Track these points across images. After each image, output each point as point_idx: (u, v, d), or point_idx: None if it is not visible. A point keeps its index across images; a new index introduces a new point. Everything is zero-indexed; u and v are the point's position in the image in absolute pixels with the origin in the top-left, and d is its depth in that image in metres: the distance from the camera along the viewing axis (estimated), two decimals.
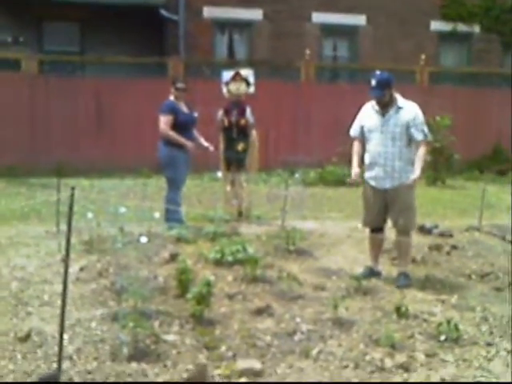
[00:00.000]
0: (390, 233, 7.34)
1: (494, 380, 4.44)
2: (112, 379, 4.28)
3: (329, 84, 16.42)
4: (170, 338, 4.88)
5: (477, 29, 18.78)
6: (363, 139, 6.54)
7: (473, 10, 18.59)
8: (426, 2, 18.39)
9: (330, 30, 18.25)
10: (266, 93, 13.76)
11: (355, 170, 6.47)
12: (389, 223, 6.65)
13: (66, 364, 4.37)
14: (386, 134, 6.31)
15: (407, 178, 6.29)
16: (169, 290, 5.80)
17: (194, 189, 11.58)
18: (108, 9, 16.83)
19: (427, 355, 4.77)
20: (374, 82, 6.27)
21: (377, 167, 6.39)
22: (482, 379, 4.44)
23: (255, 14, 17.74)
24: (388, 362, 4.62)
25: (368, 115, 6.50)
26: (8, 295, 5.66)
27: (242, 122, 9.11)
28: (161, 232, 7.66)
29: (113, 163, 13.62)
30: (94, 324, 5.09)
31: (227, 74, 9.30)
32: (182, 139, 8.08)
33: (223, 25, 17.86)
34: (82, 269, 6.34)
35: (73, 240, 4.48)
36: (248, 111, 9.17)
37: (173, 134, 8.10)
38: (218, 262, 6.48)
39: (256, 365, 4.50)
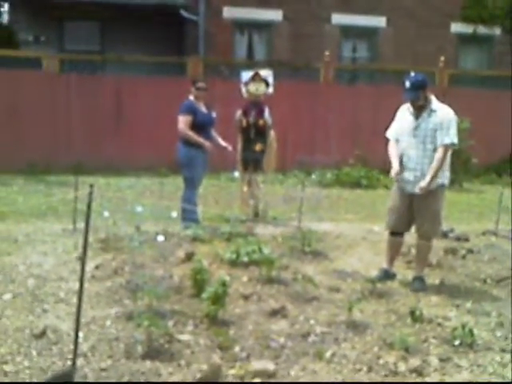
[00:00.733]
0: (406, 236, 7.34)
1: None
2: (126, 377, 4.30)
3: (348, 85, 16.38)
4: (185, 337, 4.90)
5: (498, 31, 18.69)
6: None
7: (494, 13, 18.48)
8: (447, 3, 18.31)
9: (349, 32, 18.24)
10: (285, 94, 13.75)
11: (395, 168, 6.29)
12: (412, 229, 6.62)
13: (80, 361, 4.40)
14: (417, 137, 6.24)
15: (435, 184, 6.24)
16: (184, 289, 5.81)
17: (210, 188, 11.61)
18: (128, 8, 16.94)
19: (441, 360, 4.75)
20: (407, 84, 6.18)
21: (406, 171, 6.31)
22: None
23: (275, 15, 17.76)
24: (401, 366, 4.60)
25: (403, 117, 6.43)
26: (24, 292, 5.70)
27: (261, 122, 9.11)
28: (177, 231, 7.68)
29: (130, 162, 13.70)
30: (108, 322, 5.12)
31: (246, 75, 9.31)
32: (200, 139, 8.11)
33: (243, 25, 17.89)
34: (97, 267, 6.38)
35: (89, 238, 4.51)
36: (266, 112, 9.17)
37: (191, 134, 8.13)
38: (234, 263, 6.49)
39: (270, 366, 4.51)
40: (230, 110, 9.55)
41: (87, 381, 4.23)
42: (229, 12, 17.49)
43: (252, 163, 9.12)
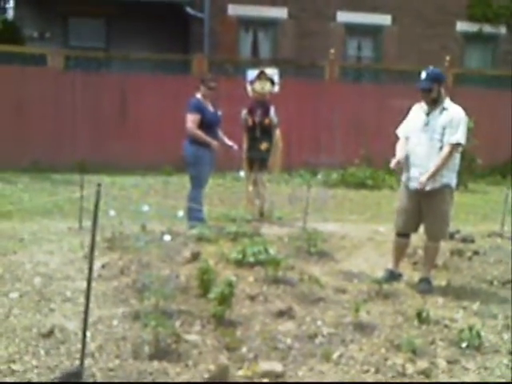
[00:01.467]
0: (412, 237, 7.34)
1: None
2: (133, 377, 4.31)
3: (353, 84, 16.36)
4: (192, 337, 4.90)
5: (503, 30, 18.65)
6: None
7: (499, 11, 18.45)
8: (452, 2, 18.28)
9: (354, 30, 18.22)
10: (290, 92, 13.72)
11: (395, 159, 6.30)
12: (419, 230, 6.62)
13: (88, 361, 4.40)
14: (426, 134, 6.24)
15: (441, 183, 6.24)
16: (190, 289, 5.81)
17: (216, 188, 11.63)
18: (134, 5, 16.94)
19: (449, 362, 4.75)
20: (423, 75, 6.23)
21: (413, 168, 6.31)
22: None
23: (280, 13, 17.74)
24: (409, 368, 4.61)
25: (415, 115, 6.44)
26: (31, 291, 5.70)
27: (266, 121, 9.09)
28: (182, 231, 7.68)
29: (135, 160, 13.70)
30: (115, 322, 5.12)
31: (252, 73, 9.29)
32: (207, 138, 8.10)
33: (248, 23, 17.88)
34: (103, 266, 6.38)
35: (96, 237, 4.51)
36: (272, 111, 9.15)
37: (199, 133, 8.13)
38: (240, 263, 6.48)
39: (277, 367, 4.52)
40: (235, 109, 9.54)
41: (95, 380, 4.24)
42: (234, 9, 17.48)
43: (258, 162, 9.10)
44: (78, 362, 4.31)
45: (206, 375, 4.37)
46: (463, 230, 8.63)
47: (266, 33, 18.17)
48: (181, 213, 7.57)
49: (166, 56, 15.71)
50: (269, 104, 9.18)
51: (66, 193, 9.81)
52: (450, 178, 6.33)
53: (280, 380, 4.39)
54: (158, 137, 14.19)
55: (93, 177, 9.57)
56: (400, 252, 6.69)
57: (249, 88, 9.25)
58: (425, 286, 6.34)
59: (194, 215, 8.05)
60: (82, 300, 5.29)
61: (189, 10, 16.88)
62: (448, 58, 15.95)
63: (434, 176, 6.16)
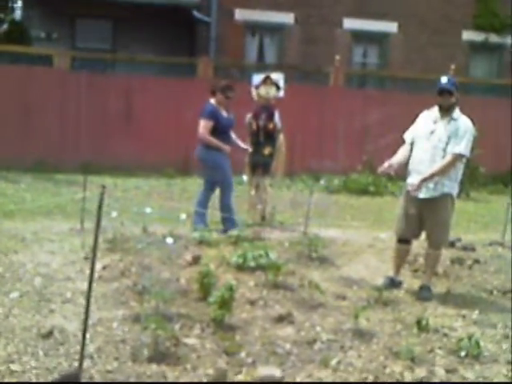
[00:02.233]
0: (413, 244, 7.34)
1: None
2: (132, 380, 4.32)
3: (358, 90, 16.37)
4: (191, 341, 4.91)
5: (509, 40, 18.65)
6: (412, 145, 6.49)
7: (506, 21, 18.45)
8: (459, 11, 18.29)
9: (360, 37, 18.25)
10: (295, 97, 13.74)
11: (386, 163, 6.39)
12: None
13: (86, 363, 4.41)
14: (431, 142, 6.24)
15: (442, 192, 6.25)
16: (190, 292, 5.81)
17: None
18: (141, 8, 16.97)
19: (447, 371, 4.76)
20: (445, 79, 6.33)
21: (415, 174, 6.31)
22: None
23: (286, 18, 17.77)
24: (408, 376, 4.62)
25: (423, 121, 6.45)
26: (31, 291, 5.71)
27: (270, 126, 9.10)
28: (184, 234, 7.68)
29: (138, 162, 13.71)
30: (115, 324, 5.13)
31: (257, 78, 9.30)
32: (219, 143, 8.14)
33: (254, 27, 17.92)
34: (104, 267, 6.37)
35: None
36: (277, 115, 9.16)
37: (211, 139, 8.15)
38: (240, 267, 6.48)
39: (276, 372, 4.52)
40: (240, 113, 9.55)
41: (94, 381, 4.25)
42: (240, 14, 17.51)
43: (260, 167, 9.10)
44: (76, 364, 4.32)
45: (205, 379, 4.38)
46: (464, 238, 8.62)
47: (272, 38, 18.21)
48: (183, 216, 7.58)
49: (171, 59, 15.76)
50: (273, 109, 9.19)
51: (68, 193, 9.82)
52: (452, 187, 6.34)
53: None
54: (162, 139, 14.22)
55: (96, 178, 9.58)
56: (401, 259, 6.70)
57: (254, 92, 9.26)
58: (425, 294, 6.35)
59: (229, 221, 8.19)
60: (81, 301, 5.30)
61: (196, 13, 16.91)
62: (453, 66, 15.94)
63: (427, 181, 6.19)
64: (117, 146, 13.91)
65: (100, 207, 4.28)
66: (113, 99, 14.43)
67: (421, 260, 7.12)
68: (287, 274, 6.41)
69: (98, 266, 6.26)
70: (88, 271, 4.39)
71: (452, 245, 8.18)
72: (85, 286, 4.48)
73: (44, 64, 14.54)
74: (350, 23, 18.06)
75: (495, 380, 4.67)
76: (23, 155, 13.33)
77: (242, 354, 4.79)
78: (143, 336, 4.82)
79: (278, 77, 9.40)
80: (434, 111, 6.39)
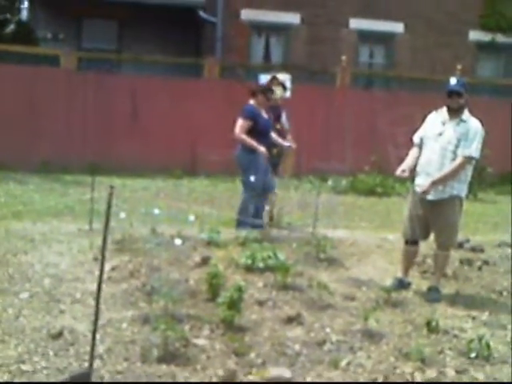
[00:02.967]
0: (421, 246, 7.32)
1: None
2: (142, 380, 4.32)
3: (364, 91, 16.36)
4: (200, 342, 4.91)
5: None
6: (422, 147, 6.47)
7: None
8: (466, 11, 18.26)
9: (366, 37, 18.24)
10: (301, 98, 13.74)
11: (401, 167, 6.35)
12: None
13: (96, 363, 4.41)
14: (440, 143, 6.22)
15: (451, 194, 6.25)
16: (199, 293, 5.81)
17: (226, 192, 11.65)
18: (147, 8, 17.00)
19: (457, 371, 4.74)
20: (454, 80, 6.33)
21: (424, 175, 6.29)
22: None
23: (293, 18, 17.78)
24: (417, 377, 4.60)
25: (431, 122, 6.43)
26: (41, 291, 5.72)
27: (278, 126, 9.09)
28: (192, 235, 7.68)
29: (145, 163, 13.72)
30: (124, 325, 5.13)
31: (264, 78, 9.32)
32: (254, 143, 8.18)
33: (260, 28, 17.93)
34: (113, 268, 6.37)
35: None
36: (284, 116, 9.16)
37: (246, 138, 8.22)
38: (249, 268, 6.48)
39: (285, 373, 4.52)
40: None
41: (104, 381, 4.25)
42: (247, 14, 17.52)
43: None
44: (86, 364, 4.33)
45: (214, 380, 4.38)
46: (473, 239, 8.60)
47: (278, 38, 18.22)
48: (192, 217, 7.57)
49: (177, 59, 15.77)
50: (280, 109, 9.19)
51: (76, 194, 9.83)
52: (461, 189, 6.33)
53: None
54: (169, 140, 14.24)
55: (103, 178, 9.59)
56: (409, 260, 6.69)
57: None
58: (433, 295, 6.33)
59: (243, 220, 8.20)
60: (91, 302, 5.31)
61: (202, 13, 16.93)
62: (460, 66, 15.92)
63: (437, 184, 6.17)
64: (124, 147, 13.93)
65: (109, 208, 4.28)
66: (119, 99, 14.45)
67: (429, 261, 7.11)
68: (296, 274, 6.40)
69: (107, 266, 6.26)
70: (97, 272, 4.40)
71: (460, 246, 8.16)
72: (94, 286, 4.48)
73: (50, 64, 14.57)
74: (356, 23, 18.06)
75: (505, 381, 4.65)
76: (30, 156, 13.35)
77: (252, 355, 4.79)
78: (153, 337, 4.82)
79: (284, 77, 9.42)
80: (443, 112, 6.37)
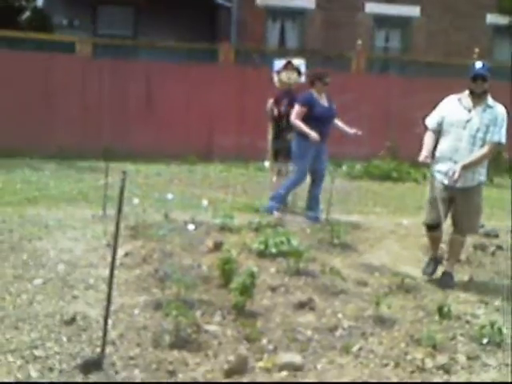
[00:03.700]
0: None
1: None
2: (153, 366, 4.35)
3: (380, 75, 16.25)
4: (212, 328, 4.93)
5: None
6: (438, 132, 6.33)
7: None
8: None
9: (382, 21, 18.11)
10: None
11: (424, 153, 6.22)
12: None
13: (109, 349, 4.45)
14: (469, 130, 6.11)
15: (479, 180, 6.22)
16: (212, 279, 5.82)
17: (239, 178, 11.66)
18: None
19: (469, 358, 4.73)
20: (479, 64, 6.18)
21: (450, 163, 6.17)
22: None
23: (308, 3, 17.68)
24: (429, 363, 4.59)
25: (452, 108, 6.27)
26: (55, 277, 5.77)
27: (292, 111, 9.06)
28: (205, 220, 7.70)
29: (160, 149, 13.73)
30: (136, 310, 5.16)
31: (279, 63, 9.27)
32: (307, 129, 8.25)
33: (276, 13, 17.84)
34: (126, 254, 6.41)
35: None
36: None
37: (300, 124, 8.34)
38: (262, 254, 6.49)
39: (297, 359, 4.53)
40: (262, 99, 9.54)
41: (116, 368, 4.28)
42: None
43: (282, 153, 9.08)
44: (99, 350, 4.36)
45: (226, 365, 4.39)
46: (487, 224, 8.54)
47: (293, 23, 18.12)
48: (205, 202, 7.59)
49: (193, 45, 15.73)
50: (295, 94, 9.15)
51: (90, 180, 9.87)
52: (484, 174, 6.33)
53: (299, 372, 4.40)
54: (184, 126, 14.24)
55: (117, 164, 9.61)
56: (437, 243, 6.63)
57: (275, 78, 9.23)
58: (447, 281, 6.32)
59: (276, 200, 8.42)
60: (104, 288, 5.33)
61: None
62: (477, 50, 15.76)
63: (467, 170, 6.07)
64: (139, 133, 13.96)
65: (121, 193, 4.30)
66: (134, 85, 14.44)
67: (442, 246, 7.07)
68: (309, 260, 6.40)
69: (120, 252, 6.29)
70: (110, 258, 4.41)
71: None
72: (107, 272, 4.51)
73: (66, 51, 14.57)
74: (371, 7, 17.92)
75: None
76: (46, 142, 13.39)
77: (263, 341, 4.80)
78: (165, 322, 4.85)
79: (299, 62, 9.36)
80: (465, 98, 6.23)
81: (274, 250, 6.48)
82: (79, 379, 4.13)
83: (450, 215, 6.47)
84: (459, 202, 6.28)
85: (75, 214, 8.03)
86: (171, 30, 17.18)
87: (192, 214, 7.77)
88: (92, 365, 4.25)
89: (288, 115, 9.00)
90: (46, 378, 4.14)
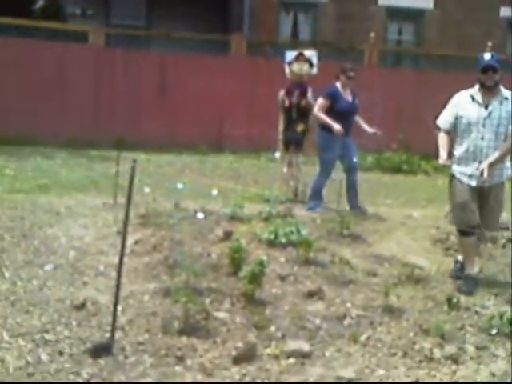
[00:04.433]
0: (443, 223, 7.29)
1: None
2: (162, 352, 4.38)
3: (392, 68, 16.20)
4: (221, 315, 4.96)
5: None
6: (453, 131, 6.07)
7: None
8: None
9: (395, 14, 18.00)
10: (328, 75, 13.61)
11: (443, 157, 5.96)
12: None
13: (118, 334, 4.49)
14: (490, 127, 5.85)
15: (507, 175, 6.04)
16: (221, 267, 5.84)
17: (250, 168, 11.67)
18: None
19: (477, 348, 4.75)
20: (488, 55, 5.95)
21: (475, 163, 5.90)
22: None
23: None
24: (437, 353, 4.61)
25: (465, 106, 5.98)
26: (65, 263, 5.80)
27: (303, 103, 9.05)
28: (215, 209, 7.71)
29: (172, 138, 13.74)
30: (146, 297, 5.20)
31: (290, 55, 9.25)
32: (329, 120, 8.26)
33: (288, 4, 17.78)
34: (136, 242, 6.43)
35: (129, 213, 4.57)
36: (309, 93, 9.12)
37: (322, 116, 8.35)
38: (271, 243, 6.49)
39: (304, 346, 4.55)
40: (273, 90, 9.53)
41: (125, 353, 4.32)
42: None
43: (293, 144, 9.08)
44: (108, 335, 4.40)
45: (234, 352, 4.42)
46: None
47: (306, 15, 18.06)
48: (215, 191, 7.59)
49: (205, 36, 15.72)
50: (306, 86, 9.15)
51: (102, 169, 9.90)
52: (510, 167, 6.14)
53: (307, 359, 4.42)
54: (196, 116, 14.23)
55: (129, 154, 9.62)
56: (474, 252, 6.26)
57: (287, 69, 9.22)
58: (467, 286, 5.97)
59: (315, 198, 8.43)
60: (114, 274, 5.34)
61: None
62: (490, 43, 15.66)
63: (494, 166, 5.80)
64: (151, 123, 13.97)
65: (131, 181, 4.33)
66: (147, 76, 14.46)
67: (453, 238, 7.05)
68: (318, 250, 6.41)
69: (131, 240, 6.32)
70: (120, 245, 4.45)
71: None
72: (117, 259, 4.53)
73: (79, 41, 14.59)
74: (384, 0, 17.83)
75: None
76: (59, 131, 13.43)
77: (272, 329, 4.83)
78: (174, 309, 4.88)
79: (311, 54, 9.34)
80: (477, 93, 5.98)
81: (283, 240, 6.48)
82: (89, 363, 4.17)
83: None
84: (487, 199, 6.03)
85: (86, 202, 8.06)
86: (184, 20, 17.17)
87: (202, 204, 7.78)
88: (101, 349, 4.30)
89: (299, 106, 9.02)
90: (55, 362, 4.19)
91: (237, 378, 4.22)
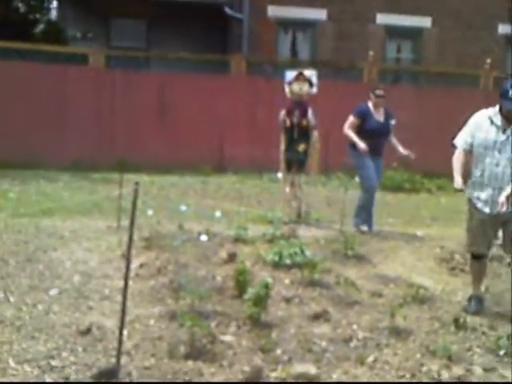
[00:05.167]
0: (448, 242, 7.28)
1: None
2: (169, 376, 4.36)
3: (392, 86, 16.24)
4: (227, 338, 4.94)
5: None
6: (470, 152, 5.89)
7: None
8: (494, 4, 17.99)
9: (394, 32, 18.09)
10: (328, 94, 13.68)
11: (458, 181, 5.76)
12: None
13: (124, 359, 4.46)
14: (505, 153, 5.68)
15: None
16: (226, 290, 5.84)
17: (253, 189, 11.67)
18: (174, 6, 17.07)
19: (485, 369, 4.71)
20: (511, 93, 5.55)
21: (490, 189, 5.77)
22: None
23: (319, 14, 17.70)
24: (444, 374, 4.58)
25: (483, 127, 5.80)
26: (70, 288, 5.79)
27: (304, 122, 9.07)
28: (219, 231, 7.72)
29: (174, 160, 13.76)
30: (152, 321, 5.18)
31: (290, 74, 9.27)
32: (356, 139, 8.34)
33: (287, 24, 17.87)
34: (141, 265, 6.43)
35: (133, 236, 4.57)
36: (310, 112, 9.14)
37: (350, 134, 8.47)
38: (276, 265, 6.49)
39: (311, 369, 4.53)
40: (274, 110, 9.56)
41: (131, 379, 4.30)
42: (273, 11, 17.46)
43: (295, 164, 9.09)
44: (114, 360, 4.38)
45: (241, 376, 4.40)
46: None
47: (305, 34, 18.15)
48: (218, 213, 7.60)
49: (205, 56, 15.79)
50: (307, 105, 9.17)
51: (105, 192, 9.91)
52: None
53: (314, 382, 4.40)
54: (197, 136, 14.26)
55: (132, 176, 9.65)
56: (482, 275, 6.20)
57: (287, 89, 9.25)
58: (475, 307, 5.96)
59: (358, 216, 8.48)
60: (119, 298, 5.34)
61: (228, 10, 16.95)
62: (489, 61, 15.74)
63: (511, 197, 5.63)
64: (152, 144, 14.01)
65: (134, 204, 4.32)
66: (147, 97, 14.50)
67: (458, 257, 7.06)
68: (323, 271, 6.39)
69: (135, 263, 6.33)
70: (125, 269, 4.44)
71: None
72: (122, 283, 4.52)
73: (79, 63, 14.66)
74: (383, 18, 17.92)
75: None
76: (60, 154, 13.46)
77: (278, 351, 4.80)
78: (180, 333, 4.87)
79: (311, 73, 9.37)
80: (495, 116, 5.77)
81: (288, 261, 6.48)
82: None
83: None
84: (506, 225, 5.84)
85: (90, 225, 8.07)
86: (183, 41, 17.27)
87: (206, 225, 7.78)
88: (107, 375, 4.27)
89: (300, 126, 9.04)
90: None
91: None
